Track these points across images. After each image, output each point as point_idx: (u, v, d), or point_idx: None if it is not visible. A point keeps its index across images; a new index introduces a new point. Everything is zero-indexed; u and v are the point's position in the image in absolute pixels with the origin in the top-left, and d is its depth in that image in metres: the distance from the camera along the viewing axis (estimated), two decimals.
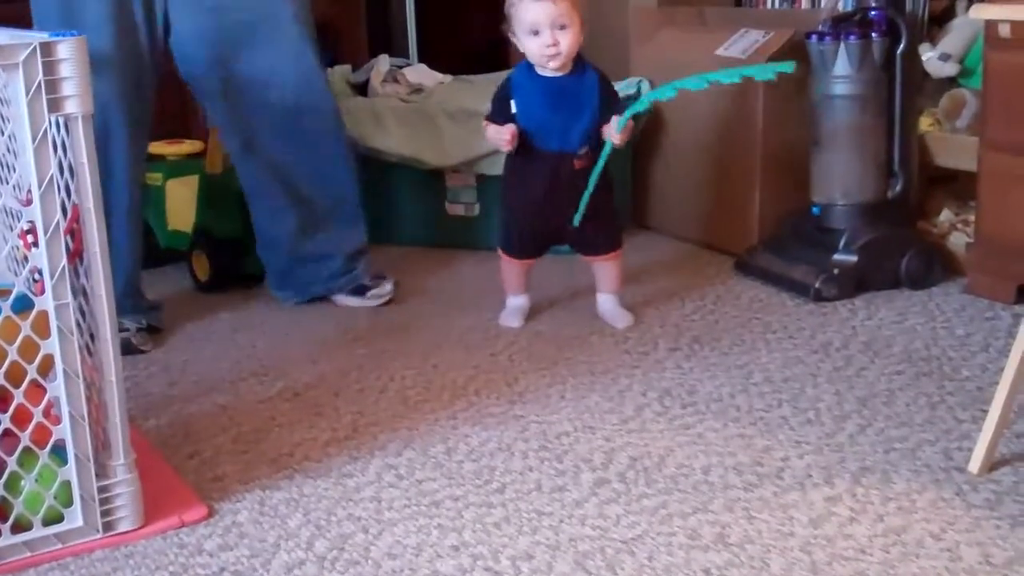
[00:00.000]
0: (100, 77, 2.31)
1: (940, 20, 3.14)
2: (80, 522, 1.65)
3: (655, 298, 2.78)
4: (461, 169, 3.24)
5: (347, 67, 3.59)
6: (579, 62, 2.47)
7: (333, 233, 2.74)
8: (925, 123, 2.99)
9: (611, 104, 2.47)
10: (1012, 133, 2.57)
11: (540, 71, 2.47)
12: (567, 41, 2.40)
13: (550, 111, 2.46)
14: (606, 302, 2.64)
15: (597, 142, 2.47)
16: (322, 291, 2.79)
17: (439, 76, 3.57)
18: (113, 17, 2.36)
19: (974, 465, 1.81)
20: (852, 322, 2.56)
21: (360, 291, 2.78)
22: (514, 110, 2.48)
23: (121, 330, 2.35)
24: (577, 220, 2.49)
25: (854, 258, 2.73)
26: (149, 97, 2.50)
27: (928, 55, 3.00)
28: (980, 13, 1.84)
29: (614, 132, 2.40)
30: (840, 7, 2.91)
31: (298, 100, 2.57)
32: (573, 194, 2.48)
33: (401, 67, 3.58)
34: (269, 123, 2.57)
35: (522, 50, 2.46)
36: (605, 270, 2.62)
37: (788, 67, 2.29)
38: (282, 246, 2.75)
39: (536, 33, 2.40)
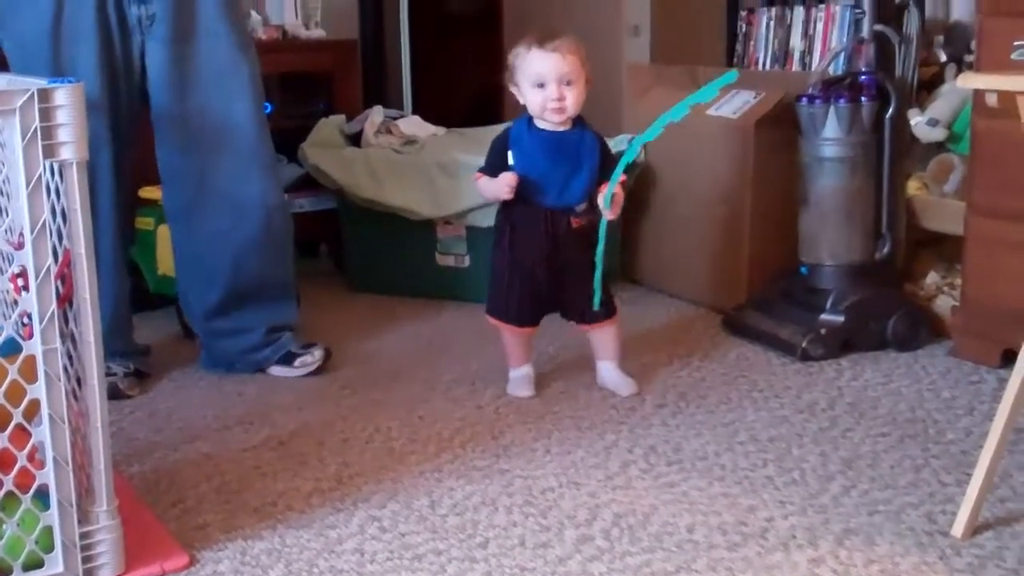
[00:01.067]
0: (89, 121, 2.34)
1: (929, 86, 3.18)
2: (61, 568, 1.64)
3: (643, 354, 2.79)
4: (452, 220, 3.26)
5: (341, 117, 3.61)
6: (578, 121, 2.44)
7: (252, 310, 2.66)
8: (913, 187, 3.02)
9: (610, 166, 2.42)
10: (998, 199, 2.60)
11: (539, 124, 2.43)
12: (572, 97, 2.37)
13: (550, 163, 2.41)
14: (607, 370, 2.56)
15: (594, 202, 2.43)
16: (247, 366, 2.68)
17: (432, 128, 3.60)
18: (101, 63, 2.40)
19: (958, 529, 1.81)
20: (838, 382, 2.57)
21: (288, 359, 2.68)
22: (511, 162, 2.43)
23: (108, 374, 2.36)
24: (597, 303, 2.44)
25: (841, 318, 2.75)
26: (133, 141, 2.53)
27: (917, 120, 3.03)
28: (967, 83, 1.86)
29: (603, 200, 2.35)
30: (831, 71, 2.94)
31: (247, 169, 2.55)
32: (570, 255, 2.43)
33: (395, 118, 3.61)
34: (217, 184, 2.54)
35: (523, 102, 2.43)
36: (603, 338, 2.54)
37: (731, 76, 2.33)
38: (201, 318, 2.70)
39: (541, 86, 2.36)
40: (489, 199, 2.56)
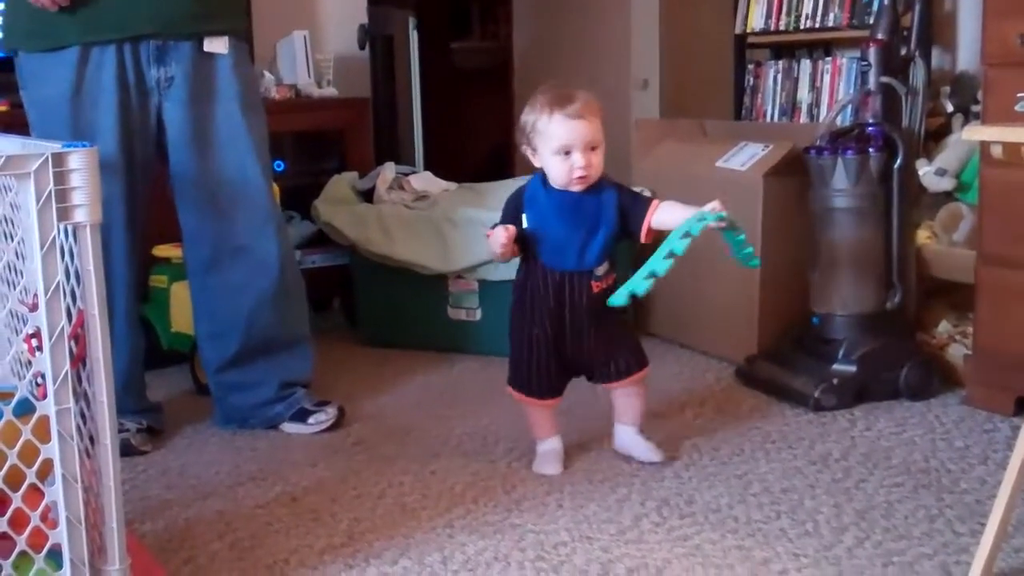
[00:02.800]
0: (104, 180, 2.37)
1: (936, 136, 3.20)
2: None
3: (655, 405, 2.78)
4: (464, 275, 3.28)
5: (353, 174, 3.65)
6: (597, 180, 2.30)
7: (265, 364, 2.68)
8: (923, 236, 3.02)
9: (636, 206, 2.27)
10: (1008, 247, 2.61)
11: (555, 185, 2.29)
12: (597, 162, 2.23)
13: (567, 226, 2.27)
14: (628, 435, 2.43)
15: (613, 261, 2.33)
16: (260, 422, 2.69)
17: (444, 184, 3.63)
18: (118, 124, 2.44)
19: None
20: (851, 433, 2.56)
21: (301, 416, 2.68)
22: (525, 224, 2.29)
23: (121, 430, 2.38)
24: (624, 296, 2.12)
25: (853, 368, 2.75)
26: (145, 200, 2.56)
27: (924, 170, 3.05)
28: (972, 135, 1.88)
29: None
30: (838, 122, 2.96)
31: (263, 227, 2.59)
32: (594, 319, 2.31)
33: (407, 174, 3.65)
34: (235, 241, 2.58)
35: (538, 165, 2.29)
36: (629, 397, 2.42)
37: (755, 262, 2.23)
38: (214, 371, 2.71)
39: (567, 153, 2.21)
40: (494, 257, 2.40)
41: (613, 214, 2.28)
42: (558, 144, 2.22)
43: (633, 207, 2.28)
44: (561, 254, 2.29)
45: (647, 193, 3.24)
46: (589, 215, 2.27)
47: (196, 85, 2.50)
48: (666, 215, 2.23)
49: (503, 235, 2.25)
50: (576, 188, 2.26)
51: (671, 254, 2.03)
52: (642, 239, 2.29)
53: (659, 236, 2.22)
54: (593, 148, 2.22)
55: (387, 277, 3.38)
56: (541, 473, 2.36)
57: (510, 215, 2.34)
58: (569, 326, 2.33)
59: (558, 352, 2.35)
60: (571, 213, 2.27)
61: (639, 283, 2.02)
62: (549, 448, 2.40)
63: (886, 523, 2.06)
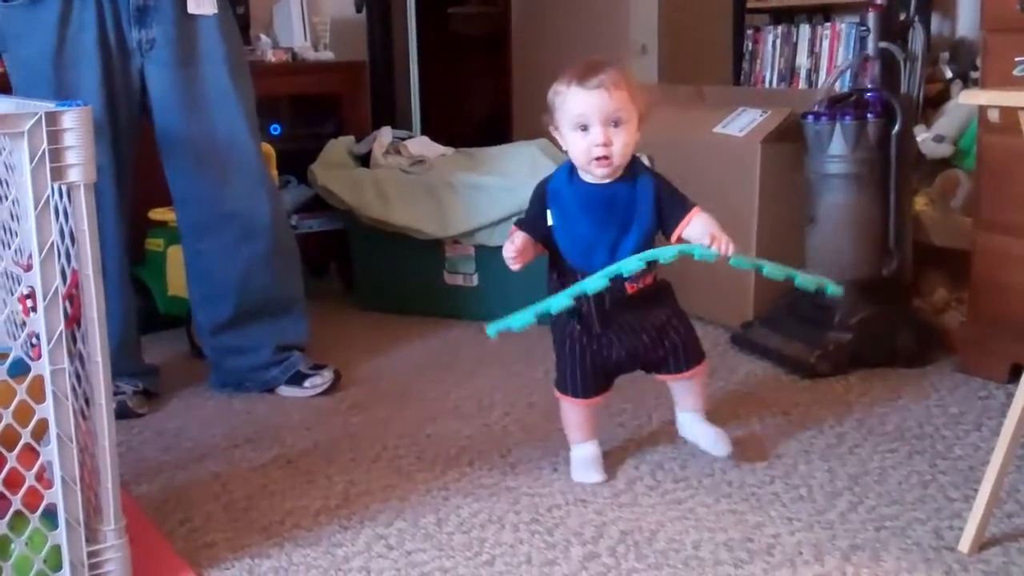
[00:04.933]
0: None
1: (935, 102, 3.19)
2: None
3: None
4: (460, 240, 3.27)
5: (350, 138, 3.64)
6: (631, 166, 2.06)
7: (261, 327, 2.68)
8: (920, 203, 3.02)
9: (675, 208, 2.05)
10: (1005, 214, 2.60)
11: (583, 176, 2.06)
12: (621, 141, 1.98)
13: (596, 226, 2.04)
14: (694, 423, 2.23)
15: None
16: (256, 385, 2.70)
17: (441, 148, 3.62)
18: (101, 85, 2.43)
19: (964, 545, 1.81)
20: (846, 399, 2.57)
21: (297, 379, 2.69)
22: (550, 222, 2.07)
23: (117, 393, 2.38)
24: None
25: (849, 335, 2.75)
26: (132, 161, 2.55)
27: (923, 136, 3.04)
28: (969, 99, 1.87)
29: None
30: (836, 88, 2.95)
31: (254, 189, 2.58)
32: (634, 318, 2.11)
33: (403, 139, 3.63)
34: (228, 204, 2.57)
35: (564, 148, 2.06)
36: (687, 387, 2.22)
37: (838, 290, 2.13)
38: (209, 334, 2.72)
39: (584, 128, 1.99)
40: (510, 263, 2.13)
41: (649, 209, 2.05)
42: (573, 117, 1.99)
43: (671, 207, 2.06)
44: (588, 255, 2.05)
45: (645, 159, 3.26)
46: (621, 211, 2.04)
47: (180, 48, 2.48)
48: (695, 230, 2.03)
49: (511, 249, 2.04)
50: (598, 172, 2.02)
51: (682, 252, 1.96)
52: (670, 242, 2.07)
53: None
54: (616, 124, 1.98)
55: (383, 242, 3.37)
56: (582, 482, 2.13)
57: (535, 210, 2.11)
58: (611, 329, 2.10)
59: (593, 355, 2.12)
60: (600, 208, 2.04)
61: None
62: (585, 455, 2.17)
63: (879, 488, 2.07)
